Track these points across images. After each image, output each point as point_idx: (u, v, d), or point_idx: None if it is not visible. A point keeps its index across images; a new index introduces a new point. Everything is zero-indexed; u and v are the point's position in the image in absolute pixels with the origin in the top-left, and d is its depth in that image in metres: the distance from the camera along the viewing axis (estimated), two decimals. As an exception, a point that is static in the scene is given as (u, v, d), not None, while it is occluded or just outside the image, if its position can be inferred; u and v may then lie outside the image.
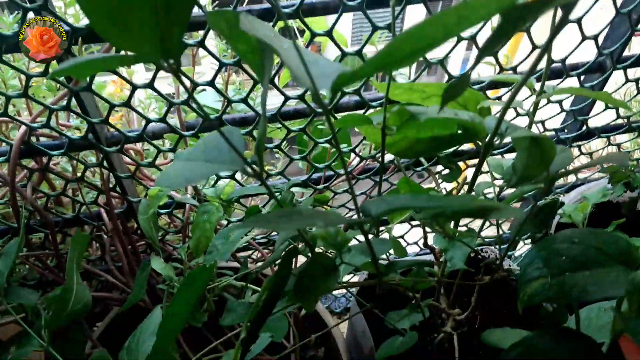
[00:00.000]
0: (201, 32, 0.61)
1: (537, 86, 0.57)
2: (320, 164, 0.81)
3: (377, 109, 0.73)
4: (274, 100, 0.79)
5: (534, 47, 0.67)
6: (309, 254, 0.59)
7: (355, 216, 0.59)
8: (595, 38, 0.72)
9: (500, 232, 1.14)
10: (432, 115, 0.42)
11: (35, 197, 0.82)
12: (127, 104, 0.66)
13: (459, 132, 0.56)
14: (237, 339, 0.88)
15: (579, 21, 0.66)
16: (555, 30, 0.34)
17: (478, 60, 0.31)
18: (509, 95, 0.42)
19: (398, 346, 0.60)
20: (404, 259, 0.44)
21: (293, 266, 0.90)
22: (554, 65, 0.73)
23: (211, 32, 0.64)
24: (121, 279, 0.83)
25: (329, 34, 0.61)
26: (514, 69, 0.69)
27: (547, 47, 0.35)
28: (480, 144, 0.56)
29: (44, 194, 0.78)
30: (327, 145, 0.93)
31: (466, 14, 0.23)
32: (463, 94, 0.54)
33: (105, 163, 0.74)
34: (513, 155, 0.99)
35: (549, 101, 0.78)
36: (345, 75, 0.28)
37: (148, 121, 0.68)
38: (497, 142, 0.43)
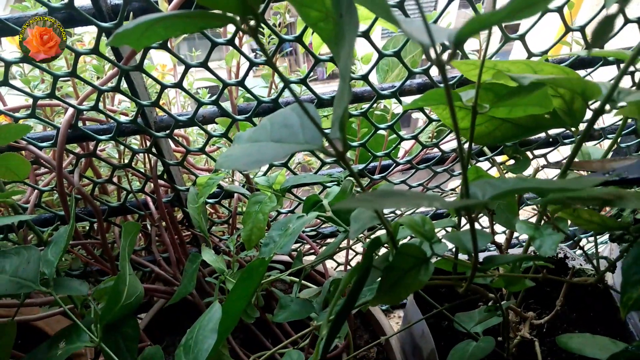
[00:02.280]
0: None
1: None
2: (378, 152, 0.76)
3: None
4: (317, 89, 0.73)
5: (627, 21, 0.60)
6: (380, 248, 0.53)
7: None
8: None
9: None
10: (537, 77, 0.36)
11: (81, 184, 0.79)
12: (179, 84, 0.62)
13: (546, 116, 0.50)
14: (285, 337, 0.84)
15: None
16: None
17: None
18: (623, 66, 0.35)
19: (473, 352, 0.55)
20: (504, 255, 0.39)
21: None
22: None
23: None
24: (168, 270, 0.79)
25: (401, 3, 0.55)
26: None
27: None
28: (573, 130, 0.50)
29: (90, 181, 0.75)
30: (383, 132, 0.88)
31: None
32: (550, 71, 0.48)
33: (153, 149, 0.71)
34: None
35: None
36: (477, 20, 0.23)
37: (200, 103, 0.64)
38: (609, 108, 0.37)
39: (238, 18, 0.27)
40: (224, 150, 0.70)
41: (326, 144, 0.34)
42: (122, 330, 0.49)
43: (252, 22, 0.27)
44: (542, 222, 0.52)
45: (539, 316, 0.79)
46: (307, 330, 0.55)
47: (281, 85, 0.63)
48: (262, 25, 0.58)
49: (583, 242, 1.15)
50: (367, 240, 0.67)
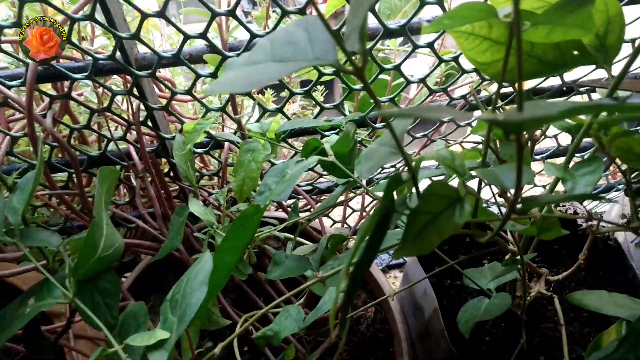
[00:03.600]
0: None
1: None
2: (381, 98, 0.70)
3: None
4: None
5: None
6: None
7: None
8: None
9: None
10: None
11: (58, 129, 0.72)
12: (162, 13, 0.54)
13: (575, 53, 0.44)
14: (277, 294, 0.80)
15: None
16: None
17: None
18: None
19: (487, 309, 0.50)
20: (545, 195, 0.33)
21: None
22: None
23: None
24: (154, 225, 0.74)
25: None
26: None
27: None
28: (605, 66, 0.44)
29: (66, 127, 0.68)
30: (387, 77, 0.81)
31: None
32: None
33: (135, 91, 0.64)
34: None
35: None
36: None
37: (186, 37, 0.57)
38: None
39: None
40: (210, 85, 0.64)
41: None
42: (99, 285, 0.44)
43: None
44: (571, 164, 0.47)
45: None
46: (303, 286, 0.50)
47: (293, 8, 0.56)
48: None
49: (585, 202, 1.11)
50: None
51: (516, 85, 0.34)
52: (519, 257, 0.46)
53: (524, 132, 0.26)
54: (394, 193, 0.34)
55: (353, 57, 0.27)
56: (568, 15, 0.37)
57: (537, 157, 0.94)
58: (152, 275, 0.82)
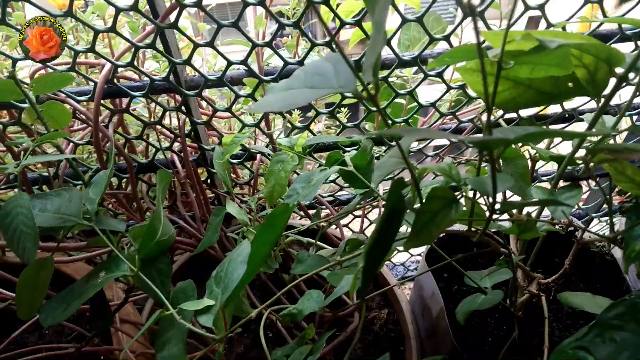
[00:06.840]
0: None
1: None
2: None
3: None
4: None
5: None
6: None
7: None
8: None
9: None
10: (563, 42, 0.39)
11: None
12: (211, 44, 0.65)
13: (570, 85, 0.51)
14: (299, 293, 0.88)
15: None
16: None
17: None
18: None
19: (482, 303, 0.58)
20: (518, 202, 0.41)
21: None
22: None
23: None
24: (193, 226, 0.83)
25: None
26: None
27: None
28: (595, 99, 0.52)
29: (123, 137, 0.79)
30: (403, 101, 0.90)
31: None
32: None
33: (183, 108, 0.74)
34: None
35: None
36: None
37: (229, 63, 0.67)
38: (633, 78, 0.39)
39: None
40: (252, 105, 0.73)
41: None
42: (156, 265, 0.53)
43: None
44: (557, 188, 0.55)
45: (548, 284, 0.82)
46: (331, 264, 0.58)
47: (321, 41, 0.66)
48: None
49: (594, 222, 1.17)
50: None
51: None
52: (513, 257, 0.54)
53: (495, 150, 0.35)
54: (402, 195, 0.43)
55: (368, 87, 0.36)
56: (547, 56, 0.45)
57: (544, 178, 1.01)
58: (190, 271, 0.91)
